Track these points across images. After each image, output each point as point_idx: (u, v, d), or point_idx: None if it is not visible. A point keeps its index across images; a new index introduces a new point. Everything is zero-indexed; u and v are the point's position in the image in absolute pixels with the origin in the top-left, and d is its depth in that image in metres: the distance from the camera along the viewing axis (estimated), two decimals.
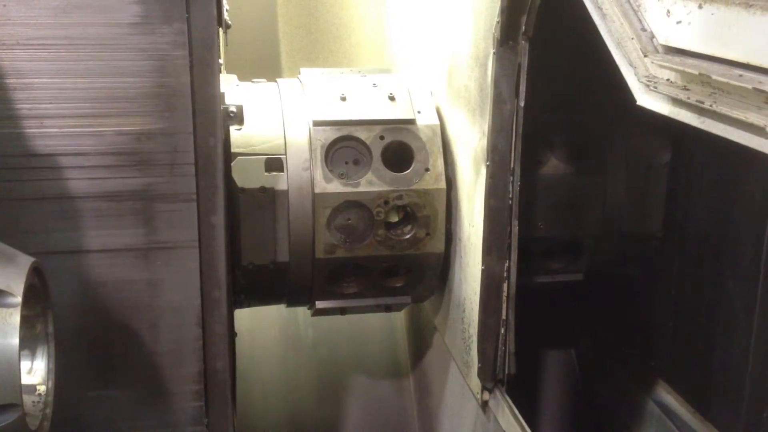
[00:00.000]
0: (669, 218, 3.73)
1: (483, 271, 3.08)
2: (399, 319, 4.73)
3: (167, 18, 2.53)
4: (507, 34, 2.80)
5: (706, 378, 3.50)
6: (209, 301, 2.79)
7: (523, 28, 2.76)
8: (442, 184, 3.39)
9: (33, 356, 2.24)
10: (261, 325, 4.67)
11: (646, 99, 1.88)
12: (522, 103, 2.86)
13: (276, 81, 3.62)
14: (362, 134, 3.36)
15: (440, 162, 3.40)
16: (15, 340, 1.94)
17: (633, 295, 3.98)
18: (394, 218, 3.43)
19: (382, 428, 4.50)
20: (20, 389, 1.96)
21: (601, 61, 2.29)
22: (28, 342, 2.20)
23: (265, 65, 5.81)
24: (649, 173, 3.71)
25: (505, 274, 3.05)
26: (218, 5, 2.59)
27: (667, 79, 1.81)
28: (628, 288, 3.97)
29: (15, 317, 1.95)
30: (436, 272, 3.55)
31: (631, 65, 1.92)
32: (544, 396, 4.21)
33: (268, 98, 3.48)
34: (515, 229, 2.99)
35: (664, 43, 1.85)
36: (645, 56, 1.88)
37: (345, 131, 3.36)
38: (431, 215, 3.39)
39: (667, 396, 3.78)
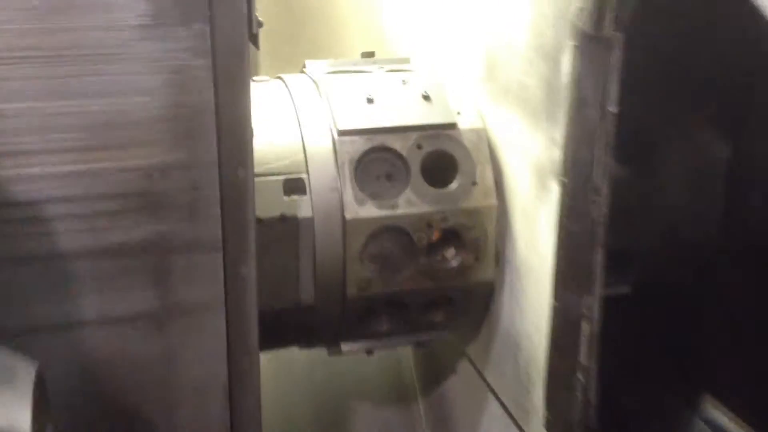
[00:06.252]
0: (727, 225, 3.33)
1: (556, 307, 2.60)
2: None
3: (184, 18, 1.93)
4: (596, 24, 2.28)
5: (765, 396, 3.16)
6: (238, 373, 2.23)
7: (618, 15, 2.25)
8: (493, 200, 2.87)
9: None
10: None
11: None
12: (614, 109, 2.35)
13: (281, 78, 3.02)
14: (397, 144, 2.81)
15: (489, 173, 2.88)
16: None
17: (685, 306, 3.61)
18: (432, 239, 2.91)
19: None
20: None
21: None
22: None
23: None
24: (706, 176, 3.31)
25: (585, 312, 2.57)
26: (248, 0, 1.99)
27: None
28: (680, 298, 3.61)
29: None
30: (484, 304, 3.04)
31: None
32: None
33: (277, 102, 2.89)
34: (601, 258, 2.51)
35: None
36: None
37: (376, 141, 2.80)
38: (481, 236, 2.89)
39: (721, 416, 3.44)
